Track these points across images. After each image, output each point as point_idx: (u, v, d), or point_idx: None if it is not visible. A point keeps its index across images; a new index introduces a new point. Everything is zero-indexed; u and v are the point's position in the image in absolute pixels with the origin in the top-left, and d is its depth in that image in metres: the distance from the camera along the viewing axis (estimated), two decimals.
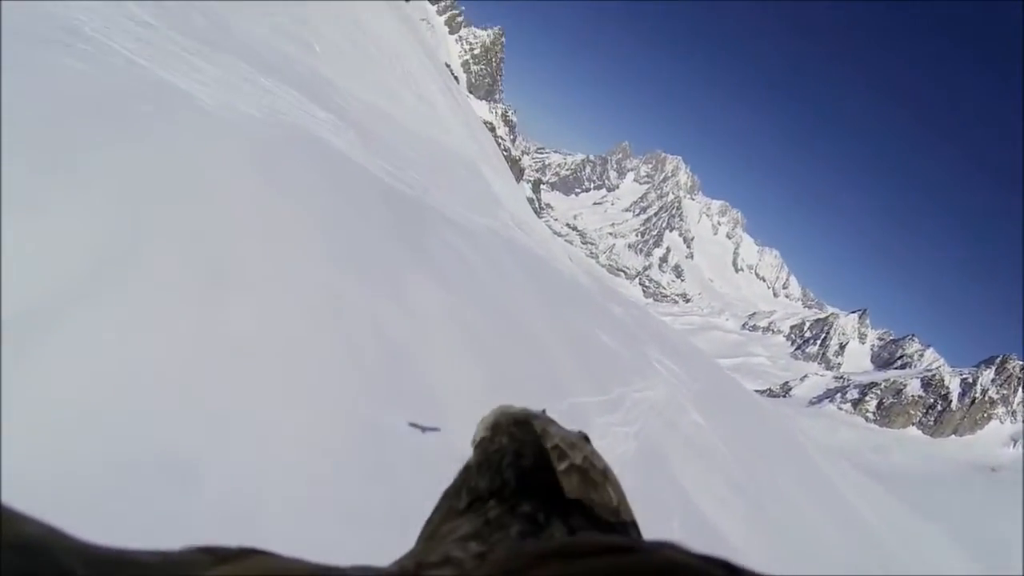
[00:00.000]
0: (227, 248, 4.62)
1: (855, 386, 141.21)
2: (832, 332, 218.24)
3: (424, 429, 4.62)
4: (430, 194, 10.32)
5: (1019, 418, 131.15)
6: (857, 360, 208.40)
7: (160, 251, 4.05)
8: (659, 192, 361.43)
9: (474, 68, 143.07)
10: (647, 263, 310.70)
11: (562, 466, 0.61)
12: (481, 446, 0.71)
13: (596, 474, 0.62)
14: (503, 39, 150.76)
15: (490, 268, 9.76)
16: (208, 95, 6.56)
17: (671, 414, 10.52)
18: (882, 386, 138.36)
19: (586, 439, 0.71)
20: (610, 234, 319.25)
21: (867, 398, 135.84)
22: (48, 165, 3.97)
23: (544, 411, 0.79)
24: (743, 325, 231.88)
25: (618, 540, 0.35)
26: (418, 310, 6.47)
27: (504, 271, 10.41)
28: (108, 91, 5.27)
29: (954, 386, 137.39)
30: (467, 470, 0.68)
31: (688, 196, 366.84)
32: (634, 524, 0.62)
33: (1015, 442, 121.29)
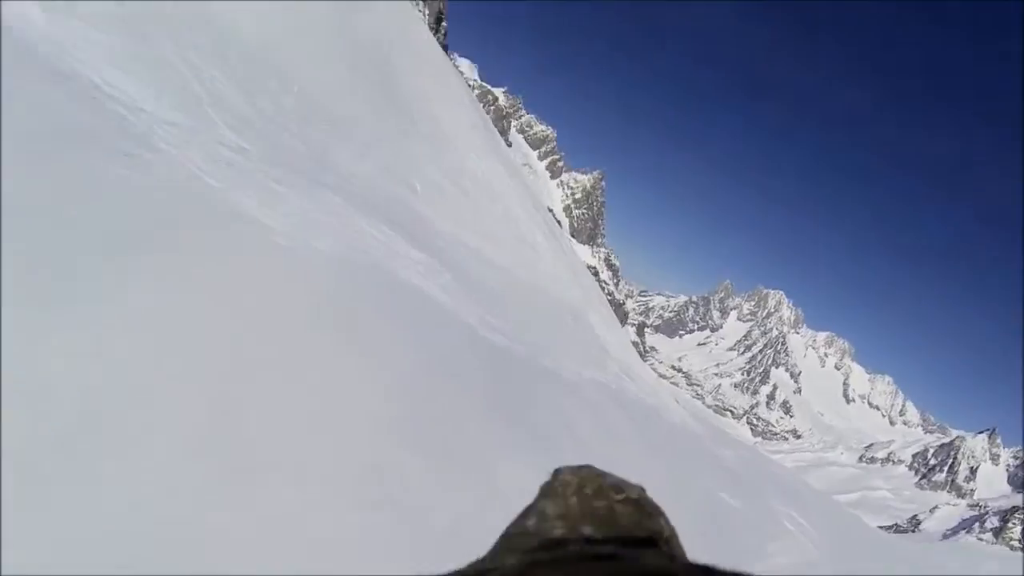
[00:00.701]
0: (256, 422, 3.36)
1: (994, 512, 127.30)
2: (960, 456, 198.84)
3: None
4: (534, 346, 9.04)
5: None
6: (992, 483, 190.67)
7: (169, 421, 3.02)
8: (763, 329, 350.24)
9: (576, 212, 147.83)
10: (754, 401, 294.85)
11: (619, 497, 0.62)
12: None
13: (650, 506, 0.63)
14: (603, 182, 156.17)
15: (600, 430, 8.40)
16: (282, 225, 5.62)
17: None
18: None
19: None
20: (715, 374, 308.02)
21: (1010, 524, 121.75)
22: (44, 298, 3.00)
23: None
24: (859, 458, 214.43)
25: (603, 549, 0.38)
26: (517, 501, 4.88)
27: (615, 432, 9.03)
28: (151, 204, 4.34)
29: None
30: None
31: (792, 330, 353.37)
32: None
33: None
